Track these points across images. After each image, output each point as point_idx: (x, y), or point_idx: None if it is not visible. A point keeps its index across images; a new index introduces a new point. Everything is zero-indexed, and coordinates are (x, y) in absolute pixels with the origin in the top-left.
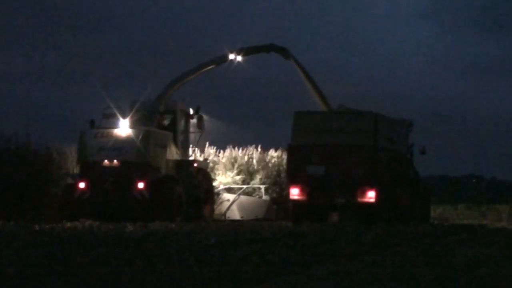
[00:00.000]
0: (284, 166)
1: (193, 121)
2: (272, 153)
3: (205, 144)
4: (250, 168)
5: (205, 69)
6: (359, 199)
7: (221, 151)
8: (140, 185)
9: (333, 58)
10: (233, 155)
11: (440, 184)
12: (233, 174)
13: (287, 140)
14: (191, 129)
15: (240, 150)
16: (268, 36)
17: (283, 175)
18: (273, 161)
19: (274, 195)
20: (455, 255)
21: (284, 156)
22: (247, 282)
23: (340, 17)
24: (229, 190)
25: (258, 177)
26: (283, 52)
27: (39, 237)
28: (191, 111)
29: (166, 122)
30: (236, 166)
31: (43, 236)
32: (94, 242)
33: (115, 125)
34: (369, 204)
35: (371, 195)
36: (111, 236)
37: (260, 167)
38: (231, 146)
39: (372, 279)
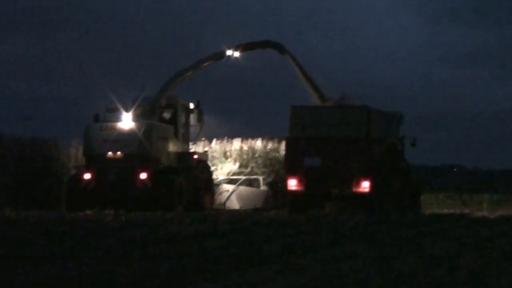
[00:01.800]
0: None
1: (193, 115)
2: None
3: (204, 137)
4: (245, 158)
5: (203, 65)
6: (354, 189)
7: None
8: (143, 175)
9: (315, 46)
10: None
11: (421, 173)
12: (230, 165)
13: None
14: (192, 123)
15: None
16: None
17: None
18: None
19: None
20: (432, 245)
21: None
22: (223, 272)
23: (321, 6)
24: (229, 181)
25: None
26: (279, 47)
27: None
28: (191, 106)
29: (167, 116)
30: (232, 156)
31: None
32: (71, 231)
33: (118, 119)
34: (363, 194)
35: (365, 185)
36: (89, 225)
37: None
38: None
39: (348, 270)
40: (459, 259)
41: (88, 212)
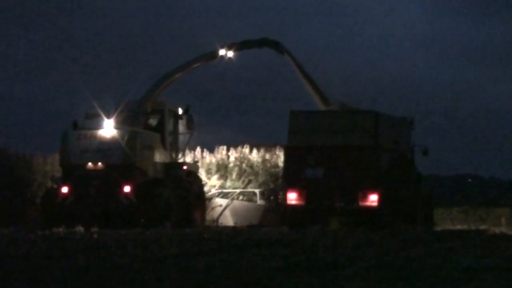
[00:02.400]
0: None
1: (182, 121)
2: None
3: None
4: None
5: (193, 66)
6: (361, 203)
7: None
8: (126, 189)
9: (319, 43)
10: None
11: (430, 185)
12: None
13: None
14: (180, 130)
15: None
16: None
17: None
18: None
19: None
20: (444, 266)
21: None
22: None
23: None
24: (223, 195)
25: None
26: (277, 46)
27: None
28: (180, 111)
29: (153, 123)
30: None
31: None
32: (36, 251)
33: (99, 126)
34: (371, 208)
35: (373, 199)
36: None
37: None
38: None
39: None
40: (475, 281)
41: (56, 230)
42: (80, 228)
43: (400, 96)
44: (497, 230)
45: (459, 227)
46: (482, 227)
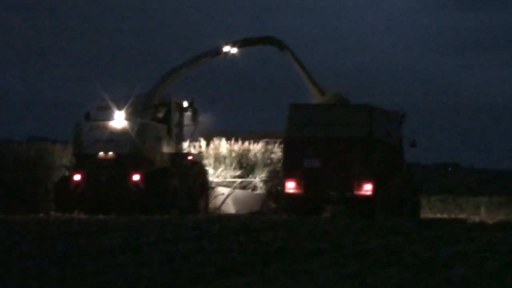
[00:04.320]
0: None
1: (188, 114)
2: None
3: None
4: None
5: (199, 62)
6: (356, 192)
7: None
8: (136, 177)
9: (307, 31)
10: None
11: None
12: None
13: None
14: (185, 122)
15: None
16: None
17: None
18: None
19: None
20: (423, 254)
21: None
22: (184, 284)
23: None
24: (225, 184)
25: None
26: (279, 44)
27: None
28: (185, 104)
29: (160, 115)
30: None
31: None
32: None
33: (110, 118)
34: (366, 197)
35: (368, 188)
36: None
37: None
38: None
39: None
40: (451, 270)
41: (58, 214)
42: (79, 214)
43: (381, 86)
44: (476, 219)
45: (438, 215)
46: (461, 215)
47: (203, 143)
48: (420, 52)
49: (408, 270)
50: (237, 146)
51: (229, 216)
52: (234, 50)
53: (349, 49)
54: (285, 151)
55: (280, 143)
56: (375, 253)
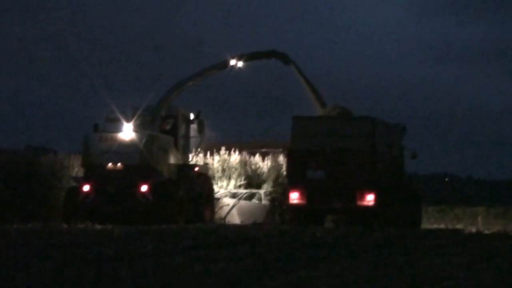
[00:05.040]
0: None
1: (194, 126)
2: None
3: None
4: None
5: (206, 75)
6: (359, 203)
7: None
8: (144, 188)
9: (307, 38)
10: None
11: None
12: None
13: None
14: (192, 134)
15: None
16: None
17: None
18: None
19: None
20: (419, 265)
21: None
22: None
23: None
24: (232, 195)
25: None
26: (284, 57)
27: None
28: (192, 116)
29: (167, 127)
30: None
31: None
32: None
33: (118, 129)
34: (368, 208)
35: (370, 199)
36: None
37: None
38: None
39: None
40: (448, 281)
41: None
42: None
43: (379, 96)
44: (473, 229)
45: (435, 226)
46: (458, 226)
47: (208, 154)
48: (417, 63)
49: (405, 280)
50: (240, 158)
51: (229, 226)
52: (240, 64)
53: (347, 60)
54: (289, 163)
55: (278, 152)
56: (371, 263)
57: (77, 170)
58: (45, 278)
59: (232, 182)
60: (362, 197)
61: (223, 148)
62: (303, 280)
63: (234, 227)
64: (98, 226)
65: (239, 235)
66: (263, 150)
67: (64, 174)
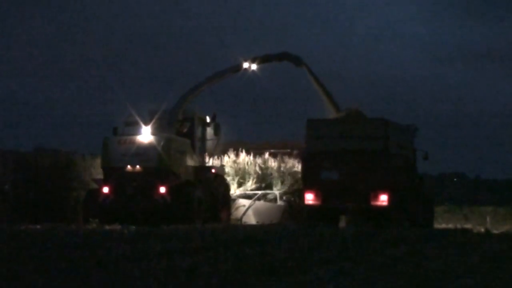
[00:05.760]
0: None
1: (210, 128)
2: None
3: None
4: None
5: (220, 78)
6: (372, 203)
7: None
8: (162, 189)
9: (311, 41)
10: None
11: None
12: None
13: None
14: (208, 136)
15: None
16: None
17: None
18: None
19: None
20: (429, 265)
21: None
22: None
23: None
24: (246, 196)
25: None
26: (296, 60)
27: None
28: (208, 119)
29: (184, 130)
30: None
31: None
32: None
33: (137, 132)
34: (381, 208)
35: (383, 199)
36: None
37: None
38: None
39: None
40: (458, 281)
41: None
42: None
43: (386, 95)
44: (482, 229)
45: (444, 226)
46: (467, 226)
47: (225, 156)
48: (425, 62)
49: (414, 281)
50: (253, 159)
51: (238, 227)
52: (253, 66)
53: (354, 60)
54: (304, 164)
55: (286, 153)
56: (380, 263)
57: (89, 171)
58: (51, 280)
59: (248, 183)
60: (376, 197)
61: (230, 150)
62: (307, 282)
63: (242, 227)
64: (107, 227)
65: (246, 236)
66: (271, 151)
67: (79, 176)
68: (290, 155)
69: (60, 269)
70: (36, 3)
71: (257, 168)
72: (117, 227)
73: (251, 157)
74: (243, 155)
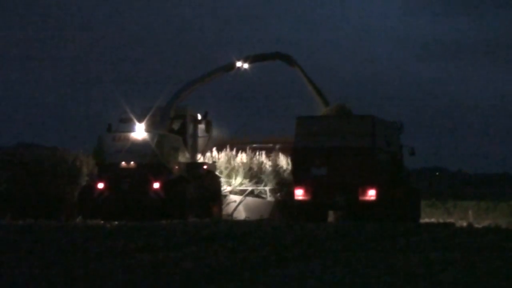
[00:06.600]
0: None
1: (201, 125)
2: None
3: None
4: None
5: (213, 76)
6: (361, 198)
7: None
8: (156, 185)
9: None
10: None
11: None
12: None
13: None
14: (199, 134)
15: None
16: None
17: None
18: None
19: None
20: (411, 259)
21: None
22: None
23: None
24: (237, 192)
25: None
26: (288, 59)
27: None
28: (199, 116)
29: (175, 127)
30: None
31: None
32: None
33: (131, 129)
34: (370, 202)
35: (371, 194)
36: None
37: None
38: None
39: None
40: (439, 275)
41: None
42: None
43: (370, 90)
44: (464, 223)
45: (426, 220)
46: (449, 220)
47: (215, 153)
48: (406, 58)
49: (397, 275)
50: (246, 156)
51: (223, 221)
52: (245, 65)
53: (342, 58)
54: (294, 161)
55: (268, 148)
56: (363, 258)
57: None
58: (32, 276)
59: (238, 179)
60: (364, 193)
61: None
62: (292, 275)
63: (228, 222)
64: (89, 222)
65: (231, 231)
66: (253, 146)
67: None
68: (272, 150)
69: (45, 263)
70: (34, 2)
71: (246, 164)
72: (99, 222)
73: (241, 154)
74: (227, 151)
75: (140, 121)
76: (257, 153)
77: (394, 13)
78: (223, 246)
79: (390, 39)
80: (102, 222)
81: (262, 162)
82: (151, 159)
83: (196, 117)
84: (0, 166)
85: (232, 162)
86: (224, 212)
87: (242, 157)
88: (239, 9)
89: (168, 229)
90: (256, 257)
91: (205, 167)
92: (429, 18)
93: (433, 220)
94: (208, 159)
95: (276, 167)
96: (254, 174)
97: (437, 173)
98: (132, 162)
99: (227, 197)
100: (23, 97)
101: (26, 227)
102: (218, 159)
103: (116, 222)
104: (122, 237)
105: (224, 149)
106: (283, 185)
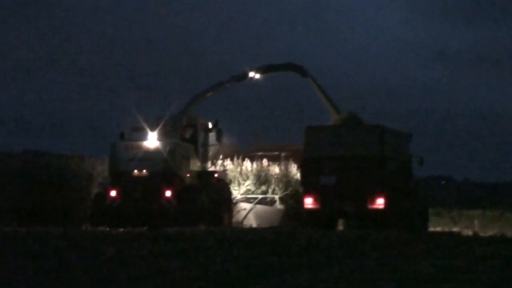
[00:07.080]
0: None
1: (212, 134)
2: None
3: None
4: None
5: (225, 86)
6: (369, 206)
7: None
8: (168, 193)
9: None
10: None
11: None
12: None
13: None
14: (210, 142)
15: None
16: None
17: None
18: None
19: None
20: (416, 267)
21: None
22: None
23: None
24: (247, 199)
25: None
26: (301, 70)
27: None
28: (210, 125)
29: (187, 135)
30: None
31: None
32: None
33: (143, 138)
34: (378, 211)
35: (380, 202)
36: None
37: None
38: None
39: None
40: (443, 283)
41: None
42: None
43: (375, 97)
44: (470, 232)
45: (432, 229)
46: (455, 229)
47: (227, 162)
48: (408, 64)
49: (402, 283)
50: (256, 165)
51: (229, 229)
52: (257, 76)
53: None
54: (303, 170)
55: (274, 156)
56: (368, 266)
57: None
58: (41, 283)
59: (246, 187)
60: (373, 201)
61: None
62: (296, 285)
63: (234, 230)
64: (97, 229)
65: (237, 238)
66: (259, 154)
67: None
68: (278, 158)
69: (47, 271)
70: (41, 7)
71: (255, 172)
72: (105, 229)
73: (249, 162)
74: (238, 160)
75: (152, 129)
76: (265, 161)
77: (415, 23)
78: (229, 253)
79: (398, 44)
80: (107, 229)
81: (270, 170)
82: (163, 167)
83: (207, 125)
84: (11, 175)
85: (241, 169)
86: (234, 220)
87: (252, 165)
88: (252, 19)
89: (175, 236)
90: (263, 264)
91: (216, 175)
92: (449, 29)
93: (438, 229)
94: (219, 167)
95: (285, 175)
96: (263, 181)
97: (443, 182)
98: (144, 170)
99: (237, 205)
100: (30, 103)
101: (32, 233)
102: (227, 165)
103: (122, 229)
104: (128, 244)
105: (234, 157)
106: (293, 193)
